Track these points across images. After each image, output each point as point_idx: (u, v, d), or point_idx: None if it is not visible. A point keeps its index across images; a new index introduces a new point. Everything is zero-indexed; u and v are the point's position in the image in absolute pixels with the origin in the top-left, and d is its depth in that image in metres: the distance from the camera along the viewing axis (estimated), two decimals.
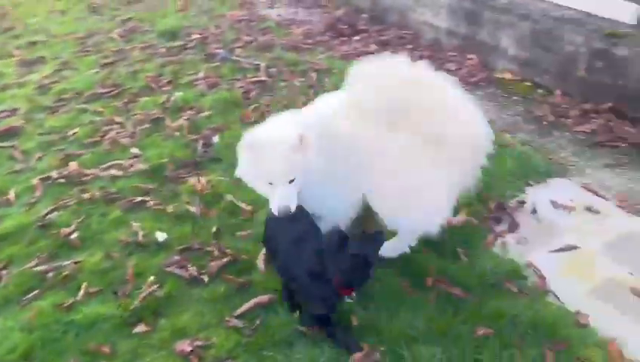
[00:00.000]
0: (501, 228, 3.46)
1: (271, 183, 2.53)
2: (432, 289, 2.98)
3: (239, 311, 2.95)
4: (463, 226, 3.39)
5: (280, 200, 2.50)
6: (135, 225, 3.55)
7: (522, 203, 3.66)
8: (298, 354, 2.66)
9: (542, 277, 3.04)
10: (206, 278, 3.12)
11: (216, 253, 3.29)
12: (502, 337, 2.67)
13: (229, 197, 3.75)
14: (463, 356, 2.59)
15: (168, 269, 3.20)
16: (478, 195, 3.53)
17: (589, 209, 3.56)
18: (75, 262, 3.28)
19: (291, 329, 2.80)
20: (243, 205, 3.67)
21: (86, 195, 3.86)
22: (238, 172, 2.68)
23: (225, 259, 3.25)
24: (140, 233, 3.47)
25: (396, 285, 2.99)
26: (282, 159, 2.45)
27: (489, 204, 3.61)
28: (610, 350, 2.58)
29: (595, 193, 3.71)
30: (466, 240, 3.31)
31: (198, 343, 2.77)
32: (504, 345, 2.64)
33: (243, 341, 2.79)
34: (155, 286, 3.08)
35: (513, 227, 3.45)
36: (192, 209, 3.68)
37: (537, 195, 3.71)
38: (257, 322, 2.87)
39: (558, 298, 2.92)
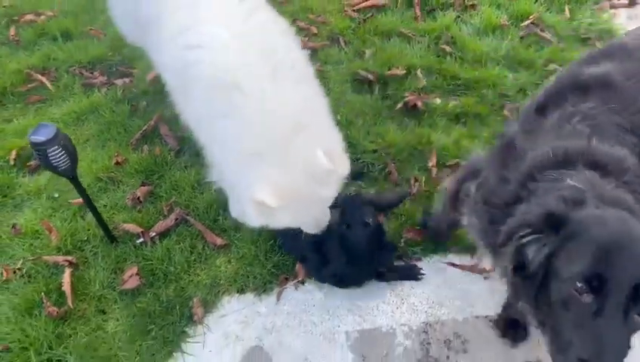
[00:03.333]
0: (619, 1, 3.54)
1: None
2: (526, 28, 3.31)
3: (357, 6, 3.52)
4: None
5: None
6: None
7: None
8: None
9: None
10: None
11: None
12: None
13: None
14: (532, 81, 3.01)
15: None
16: None
17: None
18: None
19: (393, 26, 3.36)
20: None
21: None
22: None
23: None
24: None
25: (493, 16, 3.35)
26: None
27: None
28: None
29: None
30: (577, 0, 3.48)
31: (319, 19, 3.43)
32: None
33: (353, 26, 3.42)
34: None
35: (632, 3, 3.52)
36: None
37: None
38: (369, 15, 3.45)
39: None
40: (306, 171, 1.76)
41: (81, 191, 2.13)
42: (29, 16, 3.54)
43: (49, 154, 1.87)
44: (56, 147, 1.87)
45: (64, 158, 1.91)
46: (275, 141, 1.75)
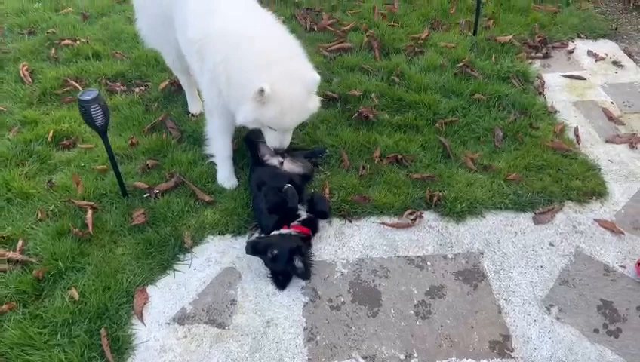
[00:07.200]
0: (536, 54, 4.50)
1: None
2: (460, 68, 4.22)
3: (329, 48, 4.44)
4: (505, 43, 4.48)
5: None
6: None
7: (564, 45, 4.61)
8: None
9: (542, 84, 4.12)
10: None
11: None
12: (489, 102, 3.90)
13: None
14: (460, 105, 3.87)
15: None
16: (531, 30, 4.58)
17: (615, 63, 4.43)
18: None
19: (356, 63, 4.26)
20: None
21: None
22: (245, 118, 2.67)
23: None
24: None
25: (435, 59, 4.27)
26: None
27: (536, 37, 4.62)
28: (555, 130, 3.69)
29: (630, 55, 4.52)
30: (502, 50, 4.42)
31: None
32: (488, 107, 3.88)
33: (325, 61, 4.32)
34: None
35: (546, 56, 4.47)
36: None
37: (581, 44, 4.62)
38: (338, 54, 4.37)
39: (545, 97, 4.02)
40: (297, 81, 2.60)
41: (107, 145, 2.88)
42: (67, 41, 4.43)
43: (91, 111, 2.65)
44: (97, 105, 2.65)
45: (101, 116, 2.69)
46: (276, 60, 2.57)
